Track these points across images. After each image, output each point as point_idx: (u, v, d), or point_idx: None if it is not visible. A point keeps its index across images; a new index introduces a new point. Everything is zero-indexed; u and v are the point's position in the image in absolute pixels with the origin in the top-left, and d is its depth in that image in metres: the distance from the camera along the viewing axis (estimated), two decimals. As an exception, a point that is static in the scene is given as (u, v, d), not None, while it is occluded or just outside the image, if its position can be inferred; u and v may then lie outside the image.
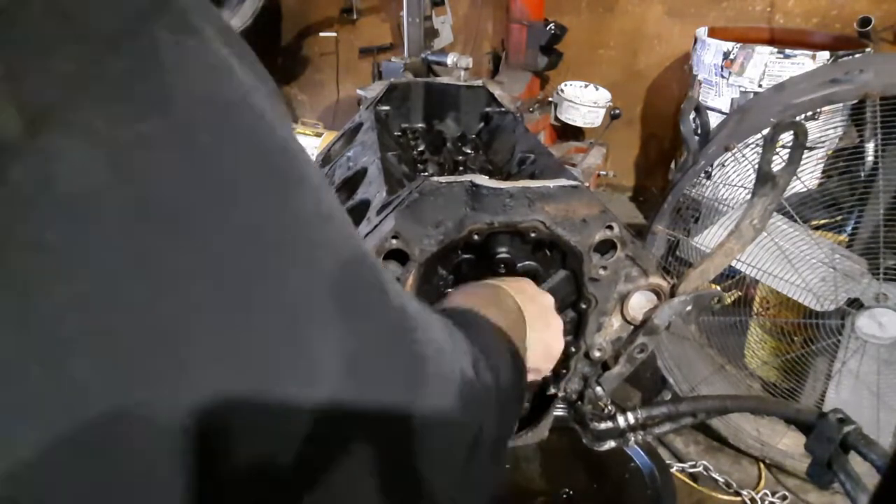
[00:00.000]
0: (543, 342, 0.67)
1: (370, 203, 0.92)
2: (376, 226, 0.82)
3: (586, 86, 3.30)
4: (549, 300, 0.71)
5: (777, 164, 0.82)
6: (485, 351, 0.45)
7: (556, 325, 0.71)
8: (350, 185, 1.07)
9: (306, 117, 4.22)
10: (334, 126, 3.95)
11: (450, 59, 2.71)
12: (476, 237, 0.80)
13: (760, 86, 2.45)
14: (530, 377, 0.70)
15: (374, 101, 1.35)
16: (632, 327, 0.90)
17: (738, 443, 1.94)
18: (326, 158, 1.34)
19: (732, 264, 1.61)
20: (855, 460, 0.78)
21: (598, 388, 0.92)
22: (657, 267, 0.88)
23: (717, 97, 2.62)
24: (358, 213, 0.94)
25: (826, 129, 1.80)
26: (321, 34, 4.14)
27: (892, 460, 0.28)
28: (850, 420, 0.78)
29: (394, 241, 0.78)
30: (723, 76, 2.57)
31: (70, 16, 0.22)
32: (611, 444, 0.93)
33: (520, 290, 0.67)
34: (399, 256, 0.79)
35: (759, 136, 1.58)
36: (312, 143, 3.70)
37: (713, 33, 2.76)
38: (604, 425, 0.94)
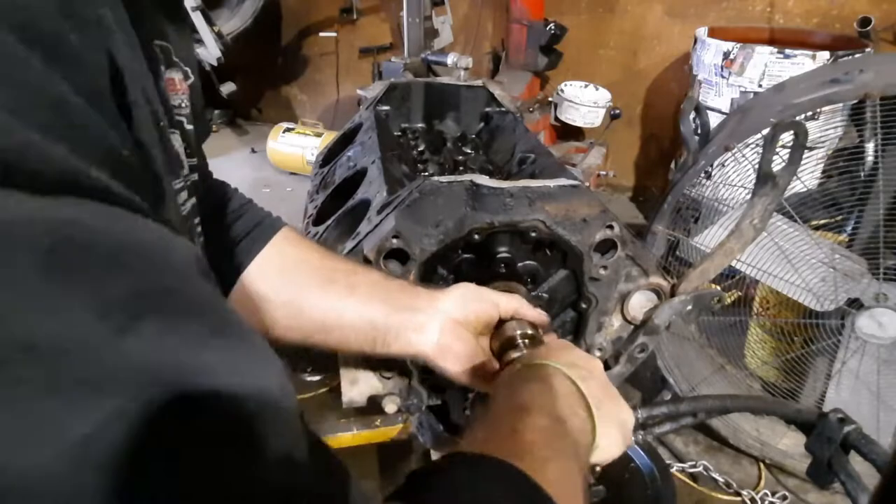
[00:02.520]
0: (618, 422, 0.57)
1: (370, 203, 0.92)
2: (377, 225, 0.82)
3: (586, 86, 3.30)
4: (599, 365, 0.62)
5: (777, 164, 0.82)
6: None
7: (618, 394, 0.61)
8: (350, 184, 1.07)
9: (306, 117, 4.22)
10: (334, 126, 3.96)
11: (450, 59, 2.71)
12: (476, 237, 0.80)
13: (760, 86, 2.45)
14: (603, 463, 0.57)
15: (374, 101, 1.35)
16: (632, 327, 0.90)
17: (737, 443, 1.94)
18: (326, 159, 1.34)
19: (733, 264, 1.61)
20: (855, 460, 0.78)
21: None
22: (657, 267, 0.88)
23: (717, 97, 2.62)
24: (358, 212, 0.94)
25: (826, 129, 1.80)
26: (321, 34, 4.14)
27: (892, 460, 0.28)
28: (851, 420, 0.78)
29: (394, 241, 0.78)
30: (723, 76, 2.57)
31: None
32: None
33: (572, 365, 0.58)
34: (400, 256, 0.80)
35: (759, 136, 1.58)
36: (312, 143, 3.71)
37: (713, 33, 2.76)
38: (604, 425, 0.94)
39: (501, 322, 0.72)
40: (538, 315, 0.72)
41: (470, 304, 0.69)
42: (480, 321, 0.70)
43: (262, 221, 0.72)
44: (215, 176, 0.75)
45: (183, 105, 0.50)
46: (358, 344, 0.68)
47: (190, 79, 0.53)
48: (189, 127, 0.51)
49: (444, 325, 0.67)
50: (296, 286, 0.68)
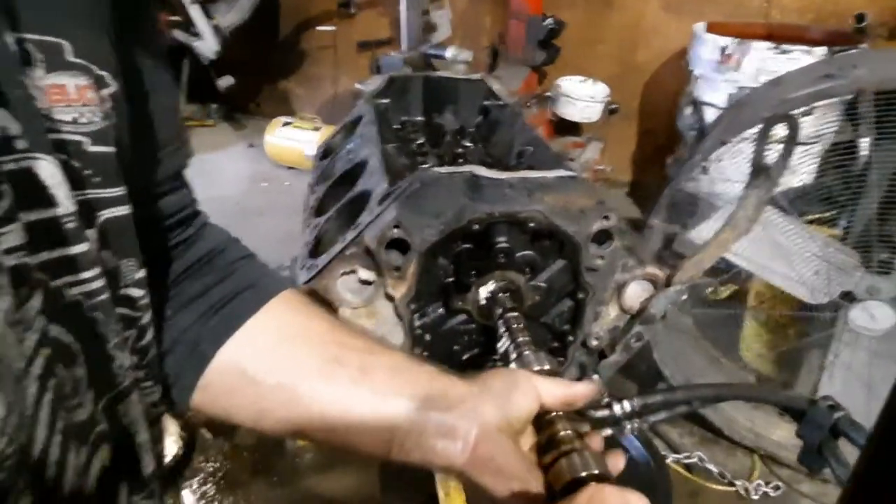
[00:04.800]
0: None
1: (371, 193, 0.93)
2: (378, 215, 0.83)
3: (584, 80, 3.31)
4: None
5: (773, 157, 0.84)
6: None
7: None
8: (350, 177, 1.09)
9: (304, 111, 4.23)
10: (332, 120, 3.96)
11: (449, 53, 2.72)
12: (476, 227, 0.82)
13: (757, 81, 2.46)
14: None
15: (373, 94, 1.37)
16: (628, 316, 0.92)
17: (732, 434, 1.96)
18: (326, 151, 1.36)
19: (728, 258, 1.62)
20: (846, 448, 0.80)
21: (595, 377, 0.94)
22: (653, 257, 0.90)
23: (714, 92, 2.63)
24: (358, 203, 0.96)
25: (822, 125, 1.81)
26: (319, 28, 4.15)
27: (871, 435, 0.29)
28: (840, 406, 0.79)
29: (395, 231, 0.79)
30: (719, 71, 2.58)
31: None
32: (607, 432, 0.95)
33: None
34: (400, 246, 0.81)
35: (754, 130, 1.59)
36: (310, 137, 3.72)
37: (710, 28, 2.77)
38: (600, 413, 0.96)
39: (543, 417, 0.57)
40: (586, 391, 0.58)
41: (512, 400, 0.54)
42: (522, 420, 0.54)
43: (258, 281, 0.58)
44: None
45: (83, 120, 0.39)
46: (368, 447, 0.53)
47: (109, 86, 0.41)
48: (96, 149, 0.40)
49: (482, 429, 0.52)
50: (292, 366, 0.53)
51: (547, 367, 0.64)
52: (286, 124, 3.83)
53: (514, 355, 0.68)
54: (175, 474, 1.93)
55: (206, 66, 3.78)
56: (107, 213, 0.41)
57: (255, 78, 4.59)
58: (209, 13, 3.61)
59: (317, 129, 3.77)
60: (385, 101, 1.38)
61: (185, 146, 0.55)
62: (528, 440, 0.56)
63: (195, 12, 3.52)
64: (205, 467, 1.96)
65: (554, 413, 0.56)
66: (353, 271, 0.82)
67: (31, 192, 0.35)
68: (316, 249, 0.95)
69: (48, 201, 0.36)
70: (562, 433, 0.54)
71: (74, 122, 0.39)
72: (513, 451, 0.52)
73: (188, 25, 3.70)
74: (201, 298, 0.55)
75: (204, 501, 1.87)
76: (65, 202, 0.37)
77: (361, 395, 0.52)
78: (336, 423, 0.52)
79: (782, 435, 1.92)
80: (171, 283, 0.55)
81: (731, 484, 1.87)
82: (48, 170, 0.36)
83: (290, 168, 3.85)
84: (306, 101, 4.60)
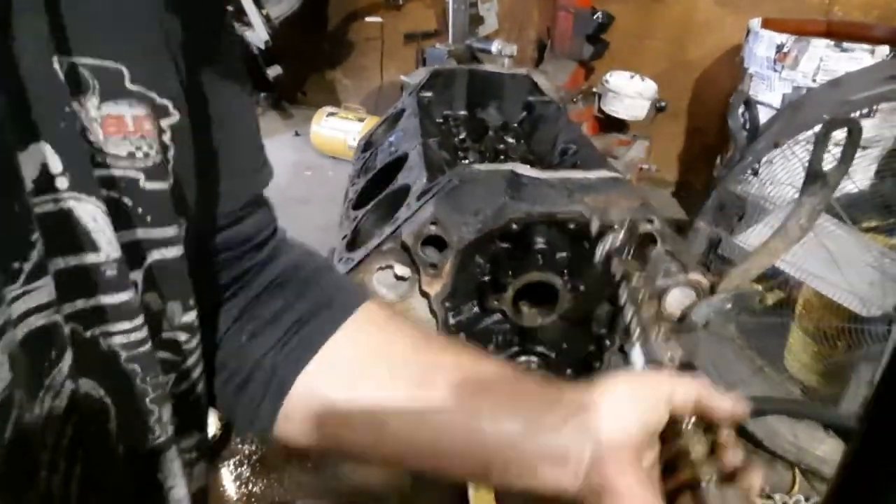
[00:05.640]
0: None
1: (410, 188, 0.93)
2: (416, 211, 0.83)
3: (632, 76, 3.24)
4: None
5: (829, 162, 0.80)
6: None
7: None
8: (391, 170, 1.08)
9: (349, 102, 4.26)
10: (377, 111, 3.98)
11: (494, 47, 2.70)
12: (514, 226, 0.80)
13: (815, 80, 2.37)
14: None
15: (417, 87, 1.36)
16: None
17: (773, 446, 1.90)
18: (368, 143, 1.36)
19: (777, 265, 1.57)
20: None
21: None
22: (697, 263, 0.87)
23: (769, 91, 2.54)
24: (397, 197, 0.95)
25: (882, 128, 1.73)
26: (366, 19, 4.16)
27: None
28: None
29: (432, 228, 0.79)
30: (775, 70, 2.49)
31: None
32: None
33: None
34: (437, 243, 0.80)
35: (811, 132, 1.53)
36: (355, 127, 3.74)
37: (766, 24, 2.67)
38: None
39: (670, 422, 0.46)
40: (729, 406, 0.47)
41: (637, 411, 0.45)
42: (649, 433, 0.45)
43: (334, 298, 0.52)
44: None
45: (139, 155, 0.35)
46: (466, 475, 0.49)
47: (170, 116, 0.37)
48: (151, 186, 0.36)
49: (601, 453, 0.43)
50: (375, 390, 0.48)
51: (679, 356, 0.53)
52: (331, 114, 3.87)
53: (637, 337, 0.55)
54: (213, 454, 1.97)
55: (255, 56, 3.84)
56: (156, 255, 0.38)
57: (302, 68, 4.64)
58: (260, 3, 3.66)
59: (361, 119, 3.79)
60: (428, 94, 1.37)
61: (263, 168, 0.51)
62: (651, 450, 0.47)
63: (246, 2, 3.57)
64: (241, 449, 2.00)
65: (683, 422, 0.46)
66: (389, 266, 0.82)
67: (68, 236, 0.32)
68: (354, 242, 0.95)
69: (89, 246, 0.33)
70: (692, 454, 0.44)
71: (130, 156, 0.35)
72: (639, 475, 0.43)
73: (239, 15, 3.76)
74: (276, 322, 0.51)
75: (239, 482, 1.91)
76: (106, 248, 0.33)
77: (453, 419, 0.46)
78: (426, 451, 0.47)
79: (826, 450, 1.86)
80: (245, 307, 0.51)
81: (770, 497, 1.82)
82: (90, 212, 0.32)
83: (334, 158, 3.88)
84: (352, 91, 4.63)
